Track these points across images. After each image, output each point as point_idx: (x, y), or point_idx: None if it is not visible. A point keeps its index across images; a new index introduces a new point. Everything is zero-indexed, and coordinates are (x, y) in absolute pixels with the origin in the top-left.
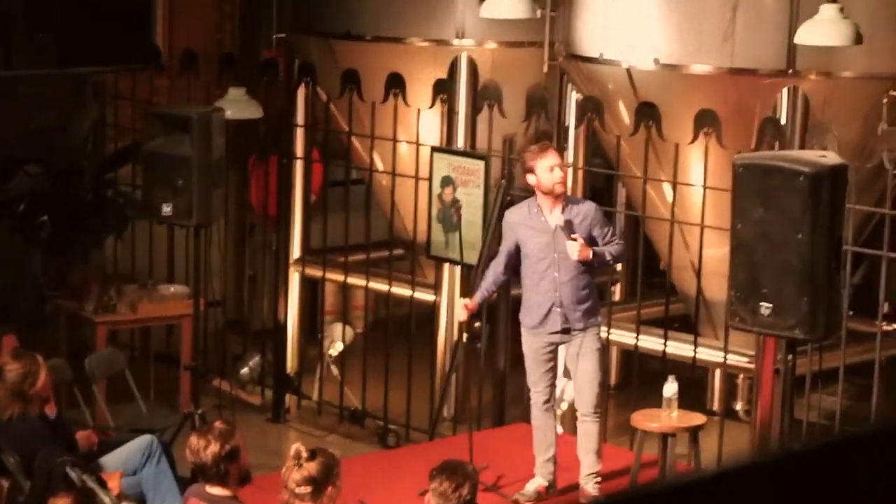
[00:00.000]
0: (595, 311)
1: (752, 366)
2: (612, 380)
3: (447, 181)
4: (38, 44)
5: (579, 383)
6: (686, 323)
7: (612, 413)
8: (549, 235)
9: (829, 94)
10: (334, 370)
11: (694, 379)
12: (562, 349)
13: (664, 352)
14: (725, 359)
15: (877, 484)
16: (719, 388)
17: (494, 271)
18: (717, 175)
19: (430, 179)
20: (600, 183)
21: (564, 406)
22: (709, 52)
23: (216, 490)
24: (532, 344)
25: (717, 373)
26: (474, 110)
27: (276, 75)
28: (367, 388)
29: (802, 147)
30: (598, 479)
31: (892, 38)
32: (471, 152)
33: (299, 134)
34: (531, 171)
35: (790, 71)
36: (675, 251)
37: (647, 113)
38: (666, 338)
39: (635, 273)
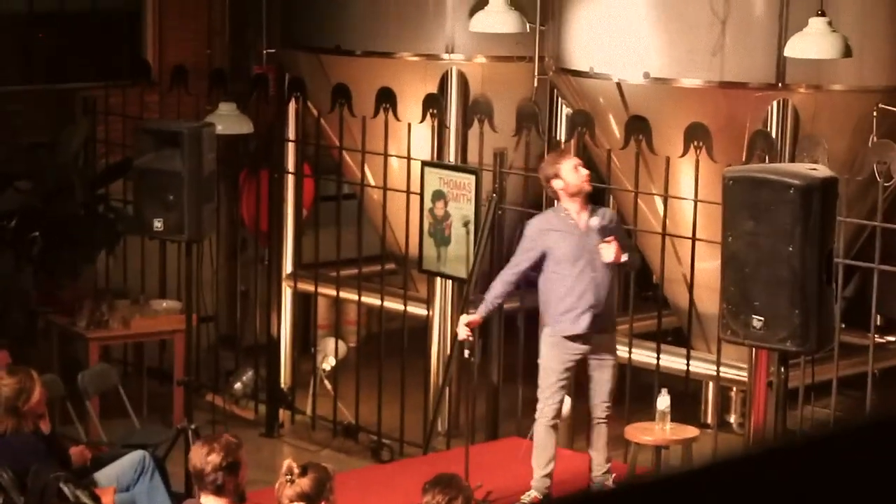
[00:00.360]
0: (615, 322)
1: (744, 378)
2: None
3: (438, 195)
4: (28, 60)
5: (598, 390)
6: (679, 336)
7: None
8: (581, 237)
9: (818, 106)
10: (327, 385)
11: (687, 392)
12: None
13: (657, 365)
14: (718, 372)
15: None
16: (712, 400)
17: (505, 283)
18: (708, 188)
19: (421, 194)
20: (591, 196)
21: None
22: (699, 65)
23: (210, 500)
24: (557, 355)
25: (710, 385)
26: (465, 124)
27: (266, 90)
28: (360, 402)
29: (793, 160)
30: (613, 473)
31: (881, 51)
32: (462, 166)
33: (290, 149)
34: (556, 175)
35: (780, 84)
36: (667, 264)
37: (637, 126)
38: (659, 351)
39: (628, 286)
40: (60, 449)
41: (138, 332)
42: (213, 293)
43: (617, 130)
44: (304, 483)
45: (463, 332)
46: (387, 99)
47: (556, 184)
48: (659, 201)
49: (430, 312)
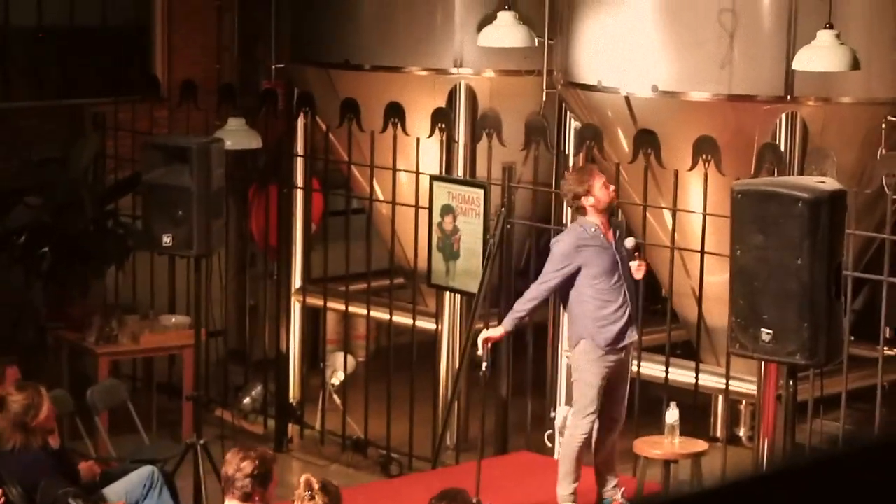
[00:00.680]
0: None
1: (753, 392)
2: None
3: (447, 210)
4: (38, 76)
5: (621, 397)
6: (688, 349)
7: None
8: (613, 252)
9: (827, 119)
10: (336, 399)
11: (696, 405)
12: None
13: (666, 378)
14: (727, 385)
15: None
16: (722, 414)
17: (536, 299)
18: (717, 201)
19: (430, 208)
20: None
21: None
22: (707, 78)
23: None
24: (597, 369)
25: (720, 399)
26: (473, 139)
27: (275, 105)
28: (369, 416)
29: (801, 173)
30: (622, 488)
31: (889, 63)
32: (470, 181)
33: (299, 164)
34: (588, 192)
35: (788, 97)
36: (676, 278)
37: (645, 140)
38: (668, 364)
39: (637, 300)
40: (69, 464)
41: (147, 347)
42: (222, 308)
43: (625, 144)
44: (324, 499)
45: (481, 347)
46: (395, 113)
47: (587, 200)
48: (668, 215)
49: (439, 327)
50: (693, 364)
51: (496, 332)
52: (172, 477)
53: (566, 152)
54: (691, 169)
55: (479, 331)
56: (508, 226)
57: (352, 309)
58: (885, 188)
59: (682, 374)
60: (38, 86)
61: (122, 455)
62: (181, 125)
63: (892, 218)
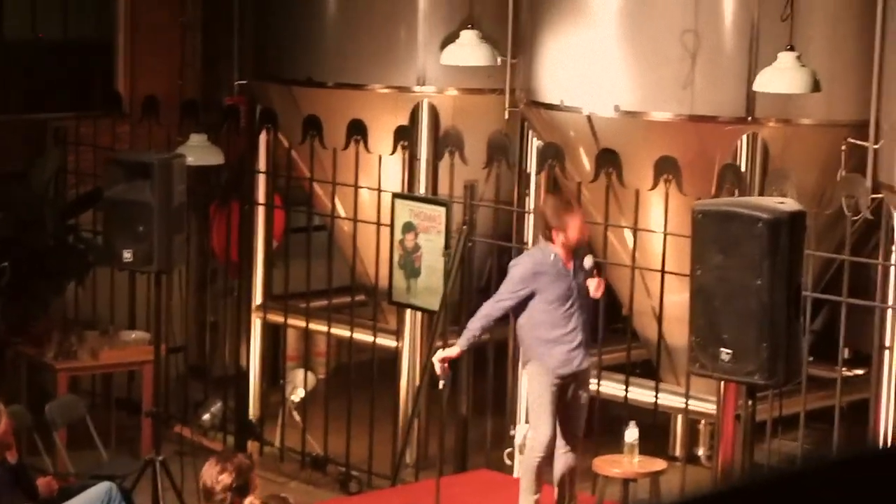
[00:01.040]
0: None
1: (713, 411)
2: None
3: (409, 227)
4: None
5: (573, 420)
6: (647, 368)
7: None
8: (571, 280)
9: (787, 140)
10: (296, 416)
11: (655, 424)
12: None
13: (626, 397)
14: (687, 404)
15: None
16: (681, 433)
17: (488, 318)
18: (678, 221)
19: (391, 225)
20: None
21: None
22: (669, 99)
23: None
24: (547, 387)
25: (679, 418)
26: (436, 156)
27: (237, 122)
28: (329, 433)
29: (762, 193)
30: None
31: (849, 86)
32: (432, 198)
33: (261, 180)
34: (561, 228)
35: (749, 118)
36: (636, 297)
37: (607, 159)
38: (627, 383)
39: (596, 319)
40: (27, 480)
41: (107, 362)
42: (183, 324)
43: (587, 163)
44: None
45: (438, 366)
46: (358, 131)
47: (557, 235)
48: (629, 234)
49: (400, 344)
50: (653, 383)
51: (452, 351)
52: (131, 493)
53: (528, 171)
54: (652, 188)
55: (439, 349)
56: (470, 243)
57: (312, 326)
58: (845, 210)
59: (641, 393)
60: (0, 100)
61: (80, 471)
62: (143, 141)
63: (852, 239)
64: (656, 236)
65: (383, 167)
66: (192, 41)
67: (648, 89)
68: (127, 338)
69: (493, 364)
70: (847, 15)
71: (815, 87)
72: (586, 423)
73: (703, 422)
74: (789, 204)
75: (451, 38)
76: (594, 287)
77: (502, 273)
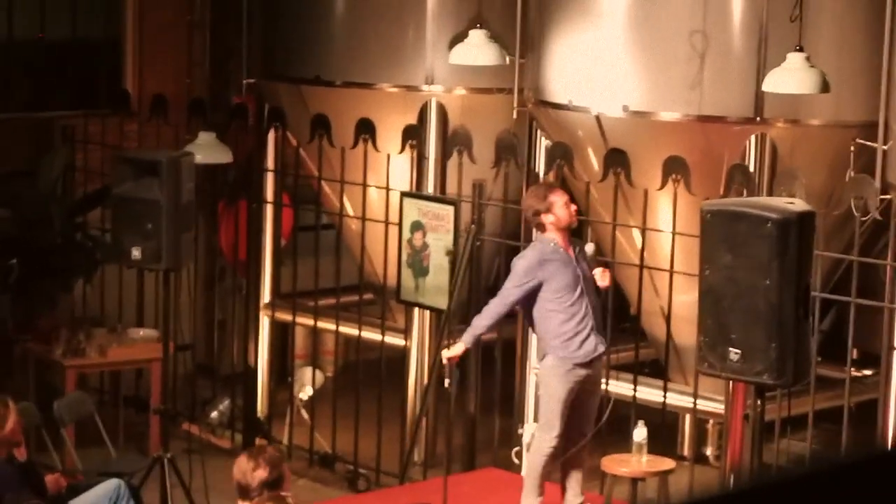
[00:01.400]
0: None
1: (721, 411)
2: None
3: (417, 226)
4: (7, 88)
5: (590, 413)
6: (656, 368)
7: None
8: (575, 266)
9: (796, 141)
10: (304, 414)
11: (664, 424)
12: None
13: (634, 397)
14: (695, 404)
15: None
16: (689, 433)
17: (494, 315)
18: (686, 221)
19: (399, 224)
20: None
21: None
22: (677, 99)
23: None
24: (563, 383)
25: (687, 418)
26: (444, 156)
27: (245, 120)
28: (337, 432)
29: (770, 194)
30: (583, 497)
31: (858, 86)
32: (440, 197)
33: (269, 179)
34: (548, 210)
35: (758, 118)
36: (645, 297)
37: (616, 159)
38: (636, 383)
39: (605, 318)
40: (36, 477)
41: (115, 360)
42: (191, 322)
43: (595, 163)
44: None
45: (446, 363)
46: (366, 129)
47: (547, 218)
48: (637, 234)
49: (408, 343)
50: (661, 382)
51: (457, 349)
52: (139, 491)
53: (536, 170)
54: (661, 188)
55: (446, 348)
56: (478, 242)
57: (320, 324)
58: (854, 210)
59: (650, 393)
60: (8, 98)
61: (88, 468)
62: (151, 139)
63: (860, 240)
64: (665, 236)
65: (392, 166)
66: (200, 40)
67: (657, 89)
68: (135, 335)
69: (501, 363)
70: (856, 15)
71: (824, 87)
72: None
73: (711, 421)
74: (798, 204)
75: (459, 38)
76: (600, 275)
77: (510, 272)
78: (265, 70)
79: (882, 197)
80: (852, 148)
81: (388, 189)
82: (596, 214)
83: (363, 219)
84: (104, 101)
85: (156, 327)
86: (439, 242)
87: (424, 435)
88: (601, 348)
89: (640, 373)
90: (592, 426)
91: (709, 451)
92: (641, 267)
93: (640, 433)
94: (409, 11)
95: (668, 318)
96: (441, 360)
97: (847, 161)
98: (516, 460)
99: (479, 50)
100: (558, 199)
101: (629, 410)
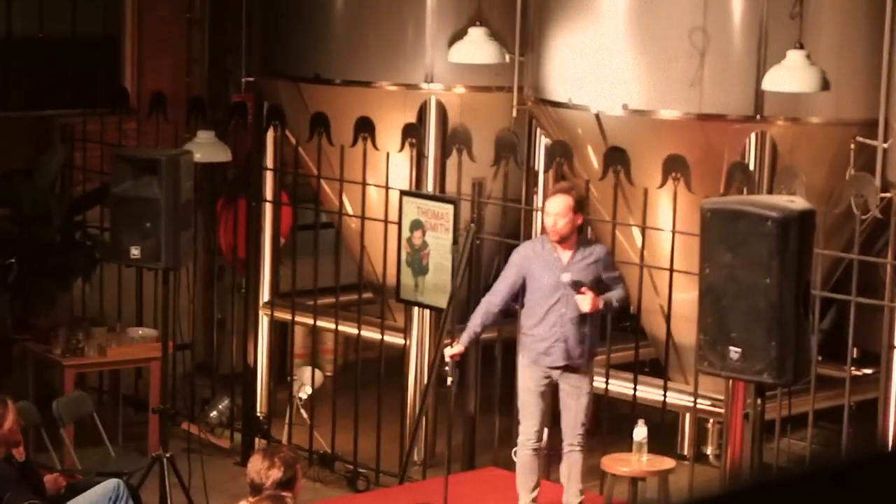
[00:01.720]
0: (594, 353)
1: (721, 410)
2: None
3: (416, 225)
4: (6, 87)
5: (570, 418)
6: (656, 367)
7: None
8: (560, 272)
9: (796, 139)
10: (304, 413)
11: (664, 423)
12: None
13: (634, 396)
14: (695, 403)
15: None
16: (689, 432)
17: (486, 310)
18: (686, 219)
19: (399, 223)
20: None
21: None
22: (677, 97)
23: None
24: (530, 376)
25: (687, 417)
26: (443, 154)
27: (245, 118)
28: (336, 431)
29: (770, 192)
30: (582, 497)
31: (858, 84)
32: (440, 196)
33: (268, 177)
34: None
35: (758, 116)
36: (645, 295)
37: (615, 158)
38: (636, 382)
39: (605, 317)
40: (34, 476)
41: (114, 359)
42: (190, 321)
43: (595, 161)
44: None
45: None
46: (365, 128)
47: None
48: (637, 232)
49: (407, 342)
50: (661, 382)
51: (457, 348)
52: (138, 490)
53: (536, 169)
54: (661, 187)
55: (447, 346)
56: (478, 241)
57: (320, 323)
58: (854, 208)
59: (650, 392)
60: (7, 97)
61: (87, 468)
62: (150, 137)
63: (861, 238)
64: (665, 235)
65: (391, 164)
66: (199, 38)
67: (657, 88)
68: (134, 334)
69: (501, 362)
70: (856, 13)
71: (824, 85)
72: (592, 420)
73: (711, 420)
74: (798, 202)
75: (459, 36)
76: (583, 303)
77: None
78: (264, 68)
79: (882, 195)
80: (852, 146)
81: (387, 188)
82: (596, 213)
83: (362, 217)
84: (103, 99)
85: (155, 326)
86: (439, 241)
87: (424, 434)
88: (560, 362)
89: (640, 372)
90: (582, 426)
91: (709, 451)
92: (641, 266)
93: (640, 432)
94: (408, 9)
95: (668, 317)
96: (442, 359)
97: (847, 159)
98: (516, 460)
99: (478, 48)
100: (546, 207)
101: (629, 409)
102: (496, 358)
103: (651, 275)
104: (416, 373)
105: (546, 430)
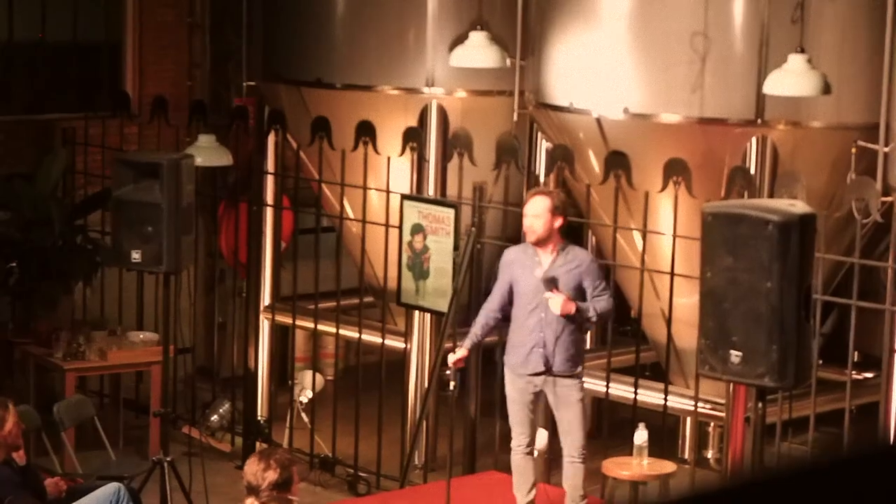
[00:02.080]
0: (578, 360)
1: (722, 414)
2: None
3: (417, 229)
4: (7, 90)
5: (564, 429)
6: (657, 371)
7: None
8: (538, 278)
9: (797, 143)
10: (304, 417)
11: (665, 427)
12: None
13: (635, 400)
14: (696, 407)
15: None
16: (690, 436)
17: (486, 315)
18: (687, 223)
19: (400, 227)
20: (570, 233)
21: (535, 454)
22: (678, 101)
23: None
24: (515, 384)
25: (688, 421)
26: (444, 158)
27: (246, 122)
28: (337, 435)
29: (771, 196)
30: (584, 502)
31: (859, 88)
32: (441, 200)
33: (269, 181)
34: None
35: (759, 120)
36: (646, 299)
37: (616, 162)
38: (637, 386)
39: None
40: (35, 480)
41: (115, 363)
42: (191, 325)
43: (596, 165)
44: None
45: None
46: (366, 132)
47: None
48: (638, 236)
49: (408, 346)
50: (662, 385)
51: (460, 353)
52: (139, 494)
53: (537, 173)
54: (662, 191)
55: (449, 350)
56: (479, 245)
57: (321, 327)
58: (855, 212)
59: (650, 396)
60: (8, 101)
61: (88, 471)
62: (151, 141)
63: (862, 242)
64: (665, 238)
65: (392, 168)
66: (200, 42)
67: (658, 92)
68: (135, 338)
69: (501, 366)
70: (857, 17)
71: (825, 89)
72: (593, 425)
73: (712, 424)
74: (799, 206)
75: (459, 40)
76: (553, 304)
77: None
78: (265, 72)
79: (883, 199)
80: (853, 150)
81: (388, 192)
82: (597, 217)
83: (363, 221)
84: (104, 103)
85: (156, 330)
86: (439, 245)
87: (425, 438)
88: (557, 369)
89: (640, 375)
90: (578, 434)
91: (710, 454)
92: (642, 269)
93: (640, 436)
94: (409, 14)
95: (668, 321)
96: (444, 362)
97: (848, 163)
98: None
99: (479, 52)
100: (524, 208)
101: (630, 413)
102: (497, 362)
103: (652, 278)
104: (416, 376)
105: (546, 435)
